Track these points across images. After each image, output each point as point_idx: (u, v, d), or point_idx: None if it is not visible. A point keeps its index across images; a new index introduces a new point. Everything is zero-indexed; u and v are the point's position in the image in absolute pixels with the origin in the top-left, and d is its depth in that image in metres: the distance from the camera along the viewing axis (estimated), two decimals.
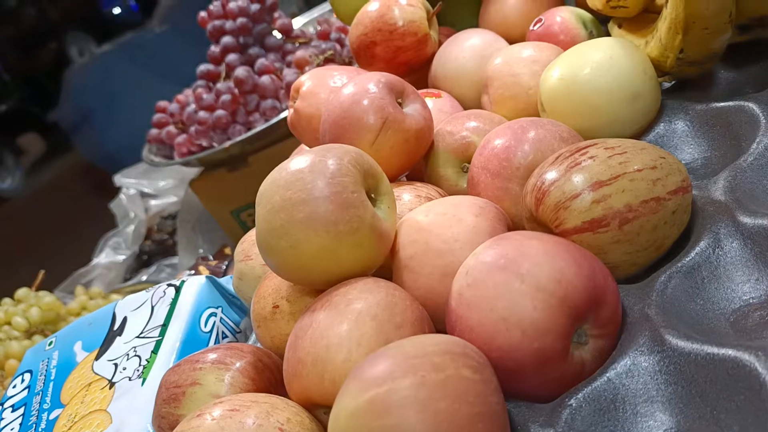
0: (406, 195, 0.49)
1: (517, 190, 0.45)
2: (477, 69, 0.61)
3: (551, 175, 0.38)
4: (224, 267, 0.98)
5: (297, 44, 1.15)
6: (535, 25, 0.61)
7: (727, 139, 0.45)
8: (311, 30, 1.27)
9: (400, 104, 0.51)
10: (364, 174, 0.41)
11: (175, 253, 1.23)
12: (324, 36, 1.14)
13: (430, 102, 0.60)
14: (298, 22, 1.36)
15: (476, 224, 0.41)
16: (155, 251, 1.29)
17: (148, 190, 1.32)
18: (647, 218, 0.36)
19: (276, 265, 0.40)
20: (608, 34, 0.60)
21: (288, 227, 0.38)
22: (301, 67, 1.02)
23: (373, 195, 0.42)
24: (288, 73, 1.03)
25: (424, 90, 0.62)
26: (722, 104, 0.46)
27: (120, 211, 1.32)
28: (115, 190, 1.37)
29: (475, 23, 0.78)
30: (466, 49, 0.62)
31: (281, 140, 1.01)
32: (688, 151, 0.47)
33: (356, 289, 0.37)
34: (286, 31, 1.16)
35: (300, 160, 0.40)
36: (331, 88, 0.58)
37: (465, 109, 0.61)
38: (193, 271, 0.99)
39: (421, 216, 0.43)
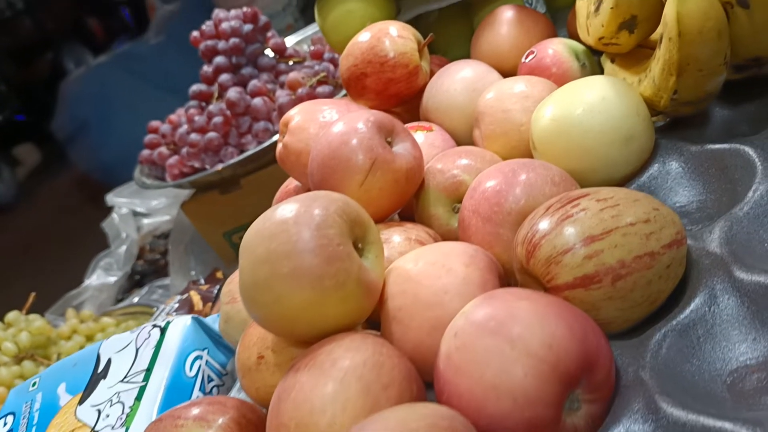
0: (396, 237, 0.48)
1: (508, 235, 0.43)
2: (469, 102, 0.60)
3: (542, 227, 0.37)
4: (216, 291, 0.96)
5: (290, 63, 1.14)
6: (527, 57, 0.60)
7: (723, 182, 0.44)
8: (305, 48, 1.26)
9: (389, 143, 0.50)
10: (351, 223, 0.39)
11: (167, 273, 1.21)
12: (317, 56, 1.13)
13: (421, 135, 0.59)
14: (291, 40, 1.35)
15: (466, 275, 0.39)
16: (147, 271, 1.28)
17: (140, 209, 1.30)
18: (641, 274, 0.35)
19: (260, 318, 0.39)
20: (601, 67, 0.59)
21: (272, 281, 0.37)
22: (294, 88, 1.01)
23: (360, 245, 0.40)
24: (281, 95, 1.01)
25: (415, 123, 0.61)
26: (717, 146, 0.45)
27: (112, 230, 1.30)
28: (109, 207, 1.36)
29: (466, 50, 0.77)
30: (458, 82, 0.61)
31: (274, 162, 0.99)
32: (683, 194, 0.46)
33: (342, 346, 0.36)
34: (280, 51, 1.15)
35: (285, 209, 0.39)
36: (321, 123, 0.57)
37: (457, 142, 0.60)
38: (184, 295, 0.98)
39: (410, 264, 0.41)
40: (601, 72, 0.58)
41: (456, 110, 0.60)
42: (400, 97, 0.64)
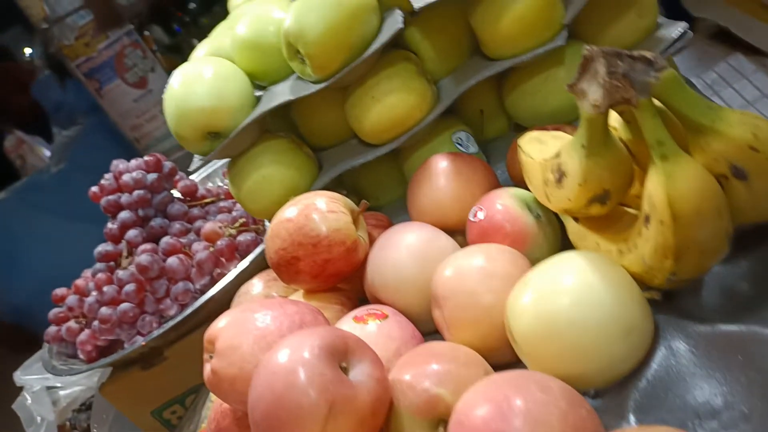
0: None
1: None
2: (420, 274, 0.50)
3: None
4: None
5: (204, 207, 1.03)
6: (474, 216, 0.52)
7: (748, 370, 0.36)
8: (218, 182, 1.16)
9: (344, 369, 0.39)
10: None
11: None
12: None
13: (373, 325, 0.49)
14: (202, 172, 1.24)
15: None
16: None
17: (54, 383, 1.13)
18: None
19: None
20: (557, 217, 0.51)
21: None
22: (212, 240, 0.89)
23: None
24: (198, 249, 0.89)
25: (366, 308, 0.51)
26: (732, 328, 0.37)
27: (24, 413, 1.12)
28: (37, 344, 1.16)
29: (399, 193, 0.69)
30: (404, 253, 0.51)
31: (200, 326, 0.86)
32: (702, 386, 0.38)
33: None
34: (191, 193, 1.04)
35: None
36: (255, 335, 0.45)
37: (414, 322, 0.50)
38: None
39: None
40: (560, 224, 0.51)
41: (408, 286, 0.51)
42: (340, 276, 0.54)
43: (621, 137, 0.39)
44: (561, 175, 0.40)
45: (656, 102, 0.35)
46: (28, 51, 2.88)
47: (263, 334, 0.45)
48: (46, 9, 2.64)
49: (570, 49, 0.58)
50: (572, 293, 0.38)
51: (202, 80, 0.58)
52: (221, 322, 0.47)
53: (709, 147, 0.34)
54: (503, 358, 0.45)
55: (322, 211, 0.52)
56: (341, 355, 0.40)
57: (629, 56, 0.33)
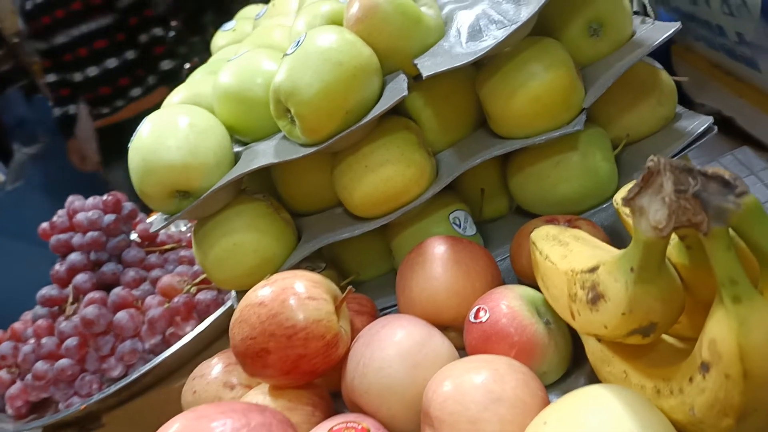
0: None
1: None
2: (410, 382, 0.43)
3: None
4: None
5: (163, 254, 0.93)
6: (476, 316, 0.45)
7: None
8: (182, 226, 1.07)
9: None
10: None
11: None
12: None
13: None
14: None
15: None
16: None
17: None
18: None
19: None
20: (569, 328, 0.44)
21: None
22: (168, 296, 0.80)
23: None
24: (151, 304, 0.80)
25: (343, 419, 0.42)
26: None
27: None
28: None
29: (383, 268, 0.61)
30: (392, 354, 0.43)
31: (143, 392, 0.76)
32: None
33: None
34: (150, 238, 0.95)
35: None
36: None
37: None
38: None
39: None
40: (570, 332, 0.44)
41: (394, 395, 0.43)
42: (314, 375, 0.45)
43: (671, 259, 0.33)
44: (597, 297, 0.33)
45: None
46: None
47: None
48: (19, 23, 2.52)
49: (585, 133, 0.53)
50: None
51: (176, 132, 0.50)
52: (170, 429, 0.38)
53: None
54: None
55: (300, 296, 0.44)
56: None
57: (702, 173, 0.27)
